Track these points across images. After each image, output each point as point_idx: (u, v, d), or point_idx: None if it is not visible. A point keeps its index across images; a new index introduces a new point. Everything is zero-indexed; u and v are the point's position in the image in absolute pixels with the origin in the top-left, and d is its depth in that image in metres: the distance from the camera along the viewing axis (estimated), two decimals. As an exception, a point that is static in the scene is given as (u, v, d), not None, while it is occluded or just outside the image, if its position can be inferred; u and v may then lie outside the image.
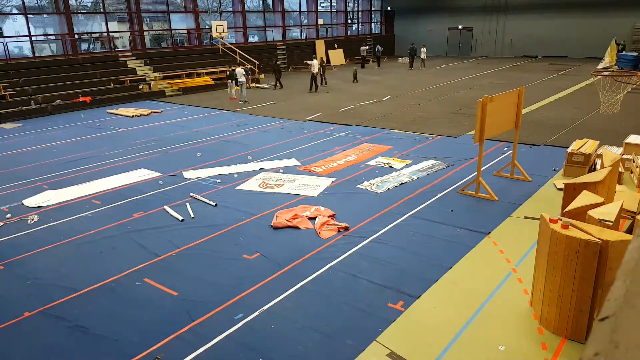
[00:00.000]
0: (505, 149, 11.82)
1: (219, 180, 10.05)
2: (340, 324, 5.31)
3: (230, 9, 30.70)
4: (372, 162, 11.16)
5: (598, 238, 4.61)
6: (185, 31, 28.04)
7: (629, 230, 6.29)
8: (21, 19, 21.52)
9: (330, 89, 23.15)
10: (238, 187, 9.06)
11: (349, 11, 38.84)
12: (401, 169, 10.61)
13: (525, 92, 9.88)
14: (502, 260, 6.58)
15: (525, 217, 7.94)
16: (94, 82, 21.36)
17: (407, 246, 7.04)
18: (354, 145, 12.76)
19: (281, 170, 10.73)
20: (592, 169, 9.53)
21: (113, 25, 25.01)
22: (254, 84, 24.37)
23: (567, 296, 4.84)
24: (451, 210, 8.26)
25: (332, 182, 9.85)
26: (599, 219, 5.14)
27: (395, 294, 5.82)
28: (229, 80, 20.89)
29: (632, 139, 10.35)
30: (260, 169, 10.81)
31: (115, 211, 8.75)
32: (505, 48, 37.05)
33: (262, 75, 27.02)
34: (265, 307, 5.63)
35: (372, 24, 41.59)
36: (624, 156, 9.78)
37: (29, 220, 8.37)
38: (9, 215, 8.57)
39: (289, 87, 23.93)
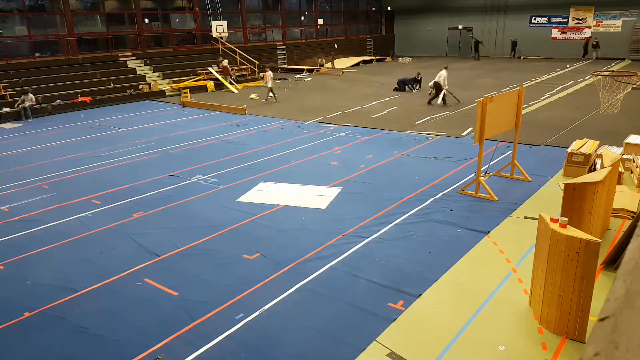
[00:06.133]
0: (507, 147, 11.81)
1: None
2: (340, 323, 5.31)
3: (230, 9, 30.67)
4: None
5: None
6: (186, 31, 28.02)
7: (629, 231, 6.29)
8: (21, 19, 21.51)
9: (330, 90, 23.15)
10: (238, 200, 9.04)
11: (349, 11, 38.83)
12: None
13: (525, 92, 9.87)
14: (502, 260, 6.58)
15: (525, 217, 7.94)
16: (94, 82, 21.36)
17: (407, 246, 7.04)
18: (354, 145, 12.76)
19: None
20: (592, 169, 9.53)
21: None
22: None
23: (567, 296, 4.84)
24: (451, 210, 8.27)
25: (340, 191, 9.35)
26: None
27: (396, 293, 5.83)
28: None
29: (632, 139, 10.35)
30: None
31: (115, 211, 8.76)
32: (506, 48, 37.04)
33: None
34: (266, 307, 5.63)
35: (372, 24, 41.58)
36: (624, 156, 9.78)
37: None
38: None
39: (292, 88, 23.90)
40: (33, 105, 18.12)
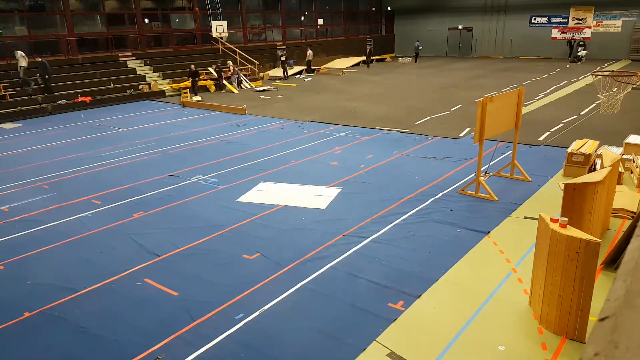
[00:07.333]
0: (507, 147, 11.81)
1: None
2: (340, 323, 5.31)
3: (230, 9, 30.67)
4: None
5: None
6: (186, 31, 28.02)
7: (629, 231, 6.29)
8: (21, 19, 21.50)
9: (330, 90, 23.17)
10: (238, 200, 9.06)
11: (349, 11, 38.81)
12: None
13: (525, 92, 9.87)
14: (502, 260, 6.58)
15: (525, 217, 7.94)
16: (94, 82, 21.36)
17: (407, 246, 7.04)
18: (354, 145, 12.76)
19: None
20: (592, 169, 9.53)
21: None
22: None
23: (567, 296, 4.84)
24: (451, 210, 8.27)
25: (340, 191, 9.37)
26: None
27: (396, 293, 5.83)
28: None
29: (632, 139, 10.35)
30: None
31: (115, 211, 8.76)
32: (505, 48, 37.05)
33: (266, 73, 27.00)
34: (266, 307, 5.63)
35: (372, 24, 41.56)
36: (624, 156, 9.78)
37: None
38: None
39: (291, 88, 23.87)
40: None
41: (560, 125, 14.18)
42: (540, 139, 12.76)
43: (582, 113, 15.75)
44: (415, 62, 35.55)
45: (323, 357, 4.81)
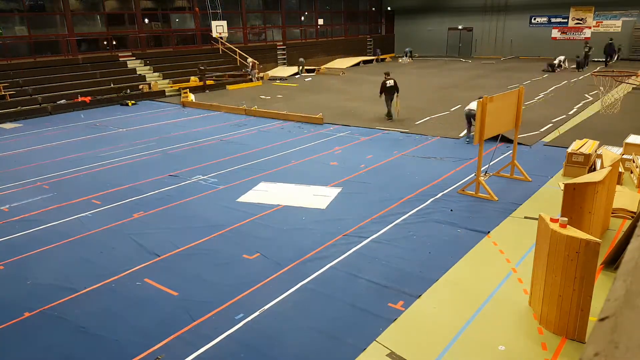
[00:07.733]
0: (507, 147, 11.80)
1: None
2: (340, 323, 5.31)
3: (230, 9, 30.68)
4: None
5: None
6: (186, 31, 28.02)
7: (629, 231, 6.29)
8: (21, 19, 21.50)
9: (330, 90, 23.17)
10: (238, 200, 9.07)
11: (349, 11, 38.81)
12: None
13: (525, 92, 9.86)
14: (502, 260, 6.58)
15: (525, 217, 7.94)
16: (94, 82, 21.37)
17: (407, 246, 7.04)
18: (354, 145, 12.76)
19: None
20: (592, 169, 9.53)
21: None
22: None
23: (567, 296, 4.84)
24: (451, 210, 8.27)
25: (340, 191, 9.38)
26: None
27: (396, 293, 5.83)
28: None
29: (632, 139, 10.35)
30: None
31: (115, 211, 8.76)
32: (505, 48, 37.06)
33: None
34: (266, 307, 5.63)
35: (372, 24, 41.56)
36: (624, 156, 9.78)
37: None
38: None
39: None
40: None
41: (560, 125, 14.16)
42: (541, 139, 12.75)
43: (582, 113, 15.72)
44: (411, 60, 36.58)
45: (323, 357, 4.81)
